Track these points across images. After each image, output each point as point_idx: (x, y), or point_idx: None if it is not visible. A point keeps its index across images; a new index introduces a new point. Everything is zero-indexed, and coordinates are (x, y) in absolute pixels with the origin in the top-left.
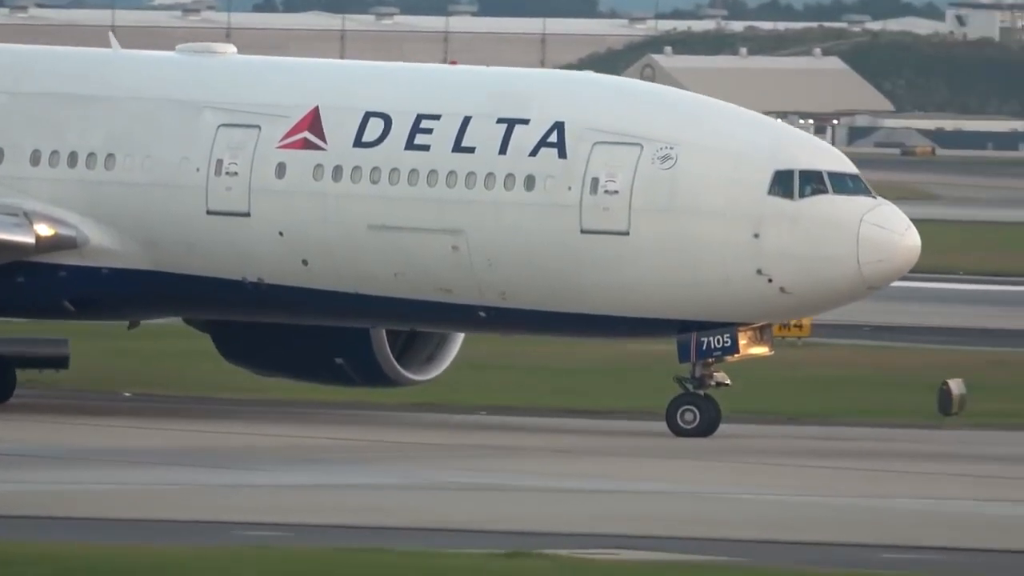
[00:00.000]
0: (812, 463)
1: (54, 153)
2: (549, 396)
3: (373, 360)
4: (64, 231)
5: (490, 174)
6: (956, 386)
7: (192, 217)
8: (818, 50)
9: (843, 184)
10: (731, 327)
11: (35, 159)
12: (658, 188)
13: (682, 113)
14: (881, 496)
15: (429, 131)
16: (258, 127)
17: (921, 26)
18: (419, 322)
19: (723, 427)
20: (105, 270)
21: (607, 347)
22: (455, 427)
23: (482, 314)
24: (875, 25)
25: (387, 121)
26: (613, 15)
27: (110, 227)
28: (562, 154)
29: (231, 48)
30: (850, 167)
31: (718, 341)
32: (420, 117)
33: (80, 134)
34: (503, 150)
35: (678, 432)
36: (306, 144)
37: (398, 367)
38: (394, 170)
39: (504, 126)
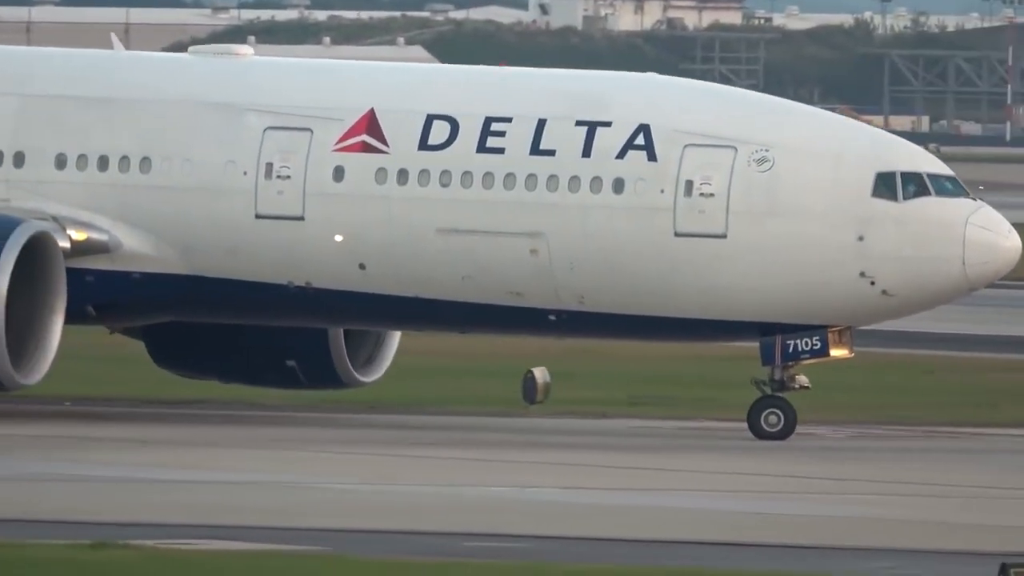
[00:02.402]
0: (392, 452)
1: (81, 157)
2: (134, 385)
3: (328, 362)
4: (95, 235)
5: (574, 177)
6: (540, 374)
7: (239, 221)
8: (402, 39)
9: (943, 186)
10: (821, 329)
11: (60, 163)
12: (756, 191)
13: (772, 115)
14: (464, 484)
15: (501, 134)
16: (309, 130)
17: (505, 15)
18: (481, 326)
19: (328, 415)
20: (137, 274)
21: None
22: (47, 418)
23: (552, 318)
24: (459, 14)
25: (453, 124)
26: (197, 4)
27: (144, 231)
28: (652, 157)
29: (249, 50)
30: (947, 169)
31: (807, 343)
32: (490, 120)
33: (110, 137)
34: (587, 153)
35: (761, 435)
36: (365, 147)
37: (352, 369)
38: (466, 173)
39: (584, 129)
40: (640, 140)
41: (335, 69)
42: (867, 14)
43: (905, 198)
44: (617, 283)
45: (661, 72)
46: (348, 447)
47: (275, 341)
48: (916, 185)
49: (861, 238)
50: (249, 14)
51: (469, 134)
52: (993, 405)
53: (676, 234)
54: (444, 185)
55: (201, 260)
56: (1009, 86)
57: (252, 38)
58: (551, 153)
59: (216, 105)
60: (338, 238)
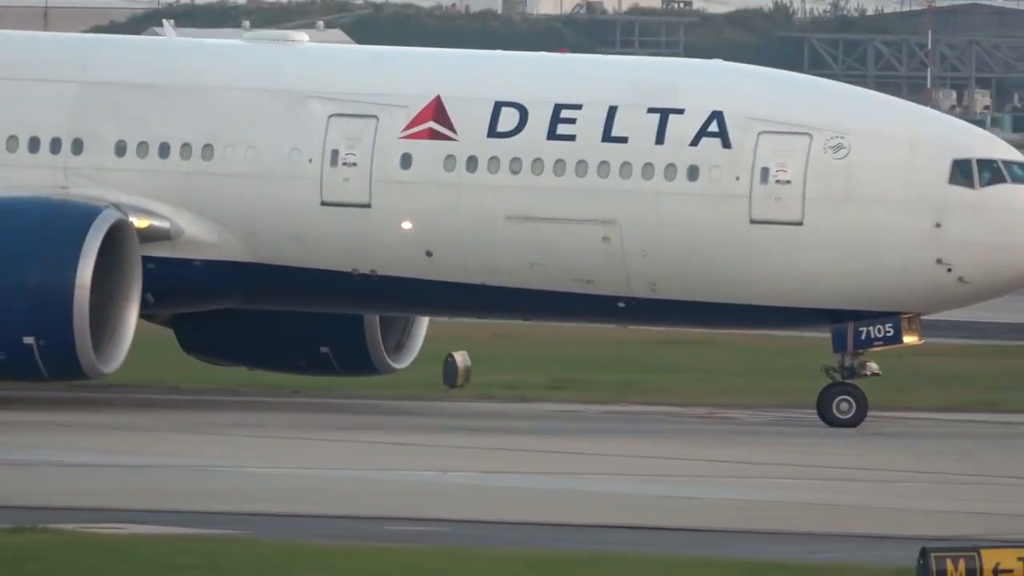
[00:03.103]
0: (311, 436)
1: (142, 144)
2: None
3: (363, 349)
4: (157, 223)
5: (647, 164)
6: (461, 358)
7: (304, 208)
8: (321, 23)
9: (1017, 173)
10: (895, 316)
11: (120, 149)
12: (832, 177)
13: (845, 102)
14: (386, 468)
15: (572, 121)
16: (375, 117)
17: None
18: (548, 313)
19: (249, 398)
20: (198, 262)
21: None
22: None
23: (621, 305)
24: None
25: (522, 111)
26: None
27: (206, 218)
28: (726, 144)
29: (304, 36)
30: (1020, 156)
31: (879, 330)
32: (559, 107)
33: (171, 124)
34: (660, 140)
35: (832, 422)
36: (433, 134)
37: (385, 356)
38: (537, 160)
39: (656, 116)
40: (714, 127)
41: (399, 56)
42: None
43: (981, 185)
44: (690, 270)
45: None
46: (267, 431)
47: (309, 328)
48: (991, 172)
49: (938, 225)
50: None
51: (539, 121)
52: (912, 388)
53: (751, 221)
54: (514, 172)
55: (264, 247)
56: (929, 70)
57: (171, 22)
58: (623, 140)
59: (279, 92)
60: (406, 225)
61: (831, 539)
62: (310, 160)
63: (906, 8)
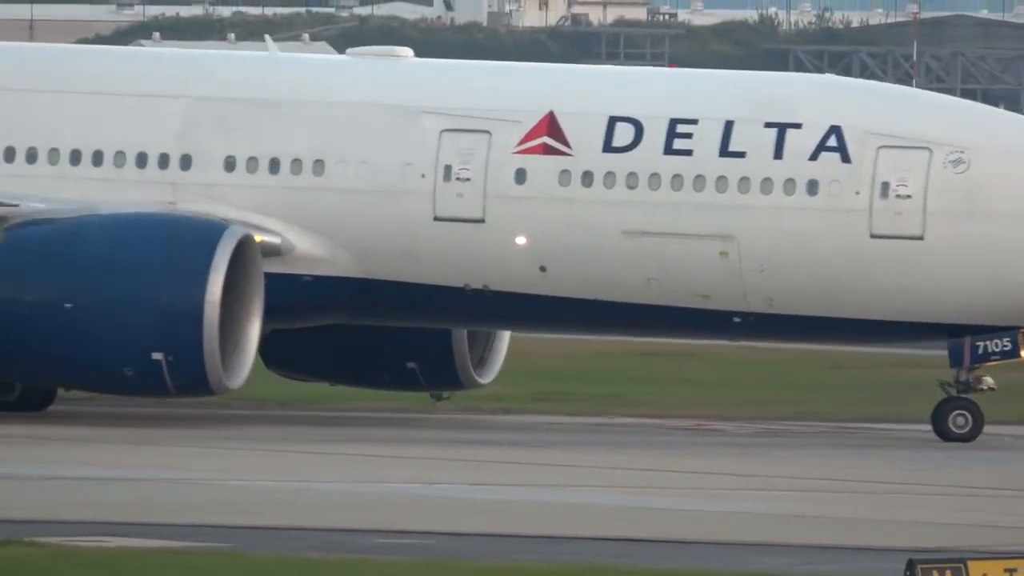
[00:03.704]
0: (297, 448)
1: (251, 159)
2: None
3: (450, 364)
4: (268, 238)
5: (766, 179)
6: None
7: (417, 224)
8: (306, 35)
9: None
10: (1013, 331)
11: (229, 165)
12: (953, 192)
13: (963, 117)
14: (372, 481)
15: (688, 136)
16: (488, 132)
17: (409, 11)
18: (662, 329)
19: (232, 412)
20: (307, 277)
21: None
22: None
23: (736, 320)
24: (363, 10)
25: (637, 126)
26: (102, 0)
27: (317, 234)
28: (845, 158)
29: (408, 51)
30: None
31: (997, 345)
32: (674, 122)
33: (281, 140)
34: (778, 154)
35: (948, 437)
36: (547, 149)
37: (472, 371)
38: (654, 175)
39: (774, 131)
40: (832, 142)
41: (510, 71)
42: (772, 10)
43: None
44: (809, 285)
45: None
46: (253, 444)
47: (396, 343)
48: None
49: None
50: (154, 10)
51: (655, 136)
52: (900, 400)
53: (872, 236)
54: (631, 187)
55: (375, 263)
56: (914, 80)
57: (157, 34)
58: (741, 155)
59: (390, 107)
60: (520, 240)
61: (818, 551)
62: (423, 175)
63: (891, 20)
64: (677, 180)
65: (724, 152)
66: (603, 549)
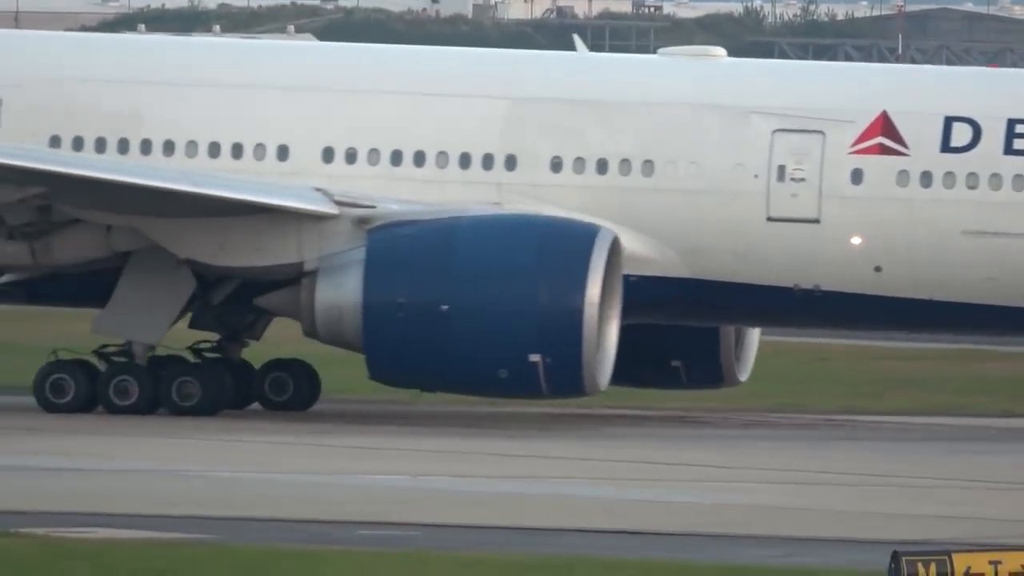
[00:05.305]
0: (281, 440)
1: (578, 160)
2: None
3: (715, 362)
4: None
5: None
6: None
7: (748, 224)
8: (292, 27)
9: None
10: None
11: (556, 166)
12: None
13: None
14: (357, 472)
15: None
16: (821, 132)
17: (394, 3)
18: (998, 328)
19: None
20: (634, 277)
21: None
22: None
23: None
24: (349, 2)
25: (975, 126)
26: None
27: (645, 234)
28: None
29: (721, 51)
30: None
31: None
32: (1013, 122)
33: (608, 140)
34: None
35: None
36: (883, 149)
37: (735, 369)
38: (994, 175)
39: None
40: None
41: (838, 70)
42: (757, 3)
43: None
44: None
45: None
46: (239, 435)
47: (660, 341)
48: None
49: None
50: (139, 2)
51: (993, 136)
52: (884, 393)
53: None
54: (971, 187)
55: (704, 263)
56: None
57: (142, 26)
58: None
59: (718, 107)
60: (855, 240)
61: (803, 543)
62: (755, 175)
63: (876, 12)
64: (1019, 180)
65: None
66: (588, 541)
